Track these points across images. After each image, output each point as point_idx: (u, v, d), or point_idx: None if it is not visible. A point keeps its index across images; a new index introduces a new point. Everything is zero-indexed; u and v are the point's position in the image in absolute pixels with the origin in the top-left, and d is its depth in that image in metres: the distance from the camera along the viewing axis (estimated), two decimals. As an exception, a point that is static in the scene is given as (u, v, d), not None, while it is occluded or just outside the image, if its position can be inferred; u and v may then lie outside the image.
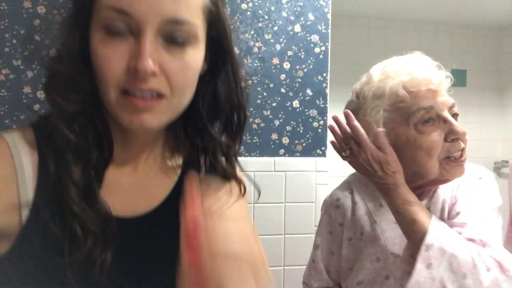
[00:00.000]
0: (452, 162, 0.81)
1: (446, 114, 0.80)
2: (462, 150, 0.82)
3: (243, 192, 0.60)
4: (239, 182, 0.60)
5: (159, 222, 0.56)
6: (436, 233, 0.72)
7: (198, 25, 0.50)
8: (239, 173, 0.61)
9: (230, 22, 0.56)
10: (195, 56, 0.51)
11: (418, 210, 0.75)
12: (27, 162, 0.49)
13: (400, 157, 0.82)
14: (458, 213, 0.81)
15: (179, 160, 0.61)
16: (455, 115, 0.82)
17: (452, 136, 0.79)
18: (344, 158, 0.85)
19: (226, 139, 0.59)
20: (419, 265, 0.70)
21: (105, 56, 0.48)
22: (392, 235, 0.87)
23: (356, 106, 0.88)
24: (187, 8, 0.48)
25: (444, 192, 0.88)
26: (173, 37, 0.48)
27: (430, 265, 0.70)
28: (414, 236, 0.74)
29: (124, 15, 0.46)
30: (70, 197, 0.48)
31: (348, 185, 1.00)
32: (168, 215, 0.56)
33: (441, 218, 0.85)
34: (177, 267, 0.49)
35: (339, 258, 0.95)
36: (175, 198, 0.57)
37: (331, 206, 0.99)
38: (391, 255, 0.85)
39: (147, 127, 0.50)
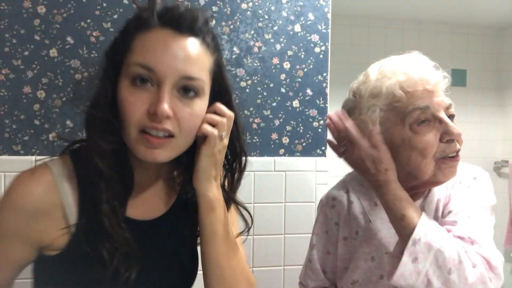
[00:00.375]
0: (448, 161, 0.80)
1: (442, 114, 0.79)
2: (457, 151, 0.81)
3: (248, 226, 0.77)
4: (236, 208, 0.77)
5: (167, 224, 0.72)
6: (423, 228, 0.72)
7: (205, 81, 0.64)
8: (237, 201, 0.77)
9: (231, 82, 0.71)
10: (201, 106, 0.64)
11: (408, 206, 0.75)
12: (70, 190, 0.63)
13: (395, 156, 0.82)
14: (450, 212, 0.81)
15: (180, 179, 0.76)
16: (451, 116, 0.82)
17: (448, 137, 0.79)
18: (339, 155, 0.86)
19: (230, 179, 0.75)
20: (405, 259, 0.70)
21: (130, 102, 0.60)
22: (386, 234, 0.87)
23: (353, 105, 0.88)
24: (197, 68, 0.62)
25: (438, 191, 0.88)
26: (185, 89, 0.62)
27: (416, 259, 0.70)
28: (403, 232, 0.74)
29: (149, 71, 0.59)
30: (102, 219, 0.61)
31: (344, 184, 1.00)
32: (173, 218, 0.73)
33: (435, 217, 0.85)
34: (179, 258, 0.72)
35: (335, 258, 0.95)
36: (178, 206, 0.74)
37: (327, 205, 0.99)
38: (385, 254, 0.85)
39: (158, 161, 0.62)
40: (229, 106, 0.68)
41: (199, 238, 0.74)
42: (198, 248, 0.75)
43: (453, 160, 0.81)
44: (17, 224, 0.61)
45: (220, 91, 0.68)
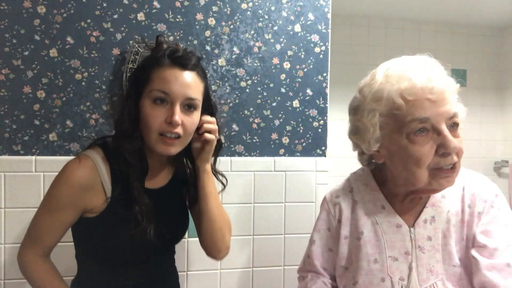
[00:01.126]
0: (442, 173, 0.79)
1: (442, 126, 0.77)
2: (454, 163, 0.80)
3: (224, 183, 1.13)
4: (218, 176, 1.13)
5: (167, 191, 1.05)
6: None
7: (200, 100, 0.97)
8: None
9: (214, 100, 1.06)
10: (197, 116, 0.97)
11: None
12: (105, 171, 0.93)
13: (392, 161, 0.83)
14: (494, 249, 0.79)
15: (175, 163, 1.10)
16: (455, 125, 0.80)
17: (443, 150, 0.77)
18: None
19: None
20: None
21: (152, 115, 0.91)
22: (392, 238, 0.87)
23: (357, 104, 0.88)
24: (196, 92, 0.95)
25: (450, 203, 0.87)
26: (188, 106, 0.94)
27: None
28: None
29: (166, 94, 0.91)
30: (133, 192, 0.93)
31: (348, 183, 1.00)
32: (171, 188, 1.06)
33: (447, 229, 0.85)
34: (177, 214, 1.08)
35: (336, 255, 0.95)
36: (174, 180, 1.07)
37: (331, 202, 0.99)
38: (388, 257, 0.85)
39: (171, 154, 0.95)
40: (213, 115, 1.04)
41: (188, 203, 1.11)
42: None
43: (448, 172, 0.80)
44: (70, 196, 0.91)
45: (208, 106, 1.03)
